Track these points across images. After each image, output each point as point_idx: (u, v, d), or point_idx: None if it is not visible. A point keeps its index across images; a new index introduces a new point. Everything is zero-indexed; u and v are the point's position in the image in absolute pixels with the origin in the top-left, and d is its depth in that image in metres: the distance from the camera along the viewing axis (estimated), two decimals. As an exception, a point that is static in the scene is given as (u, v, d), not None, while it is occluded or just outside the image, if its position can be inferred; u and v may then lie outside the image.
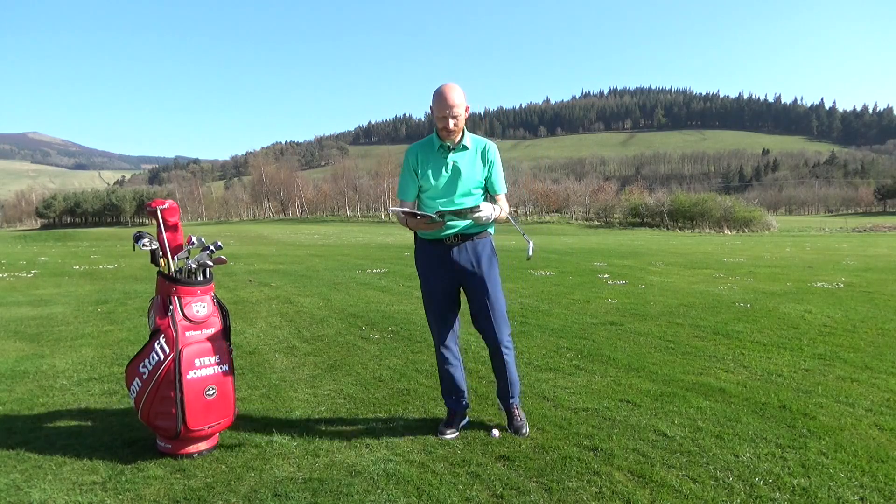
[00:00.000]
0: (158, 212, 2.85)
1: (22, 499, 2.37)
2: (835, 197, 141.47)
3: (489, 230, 3.00)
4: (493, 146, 2.94)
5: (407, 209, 2.76)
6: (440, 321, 3.01)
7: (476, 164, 2.90)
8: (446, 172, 2.88)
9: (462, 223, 2.87)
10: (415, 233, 2.99)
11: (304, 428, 3.10)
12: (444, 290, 2.97)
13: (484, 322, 2.96)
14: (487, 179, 2.95)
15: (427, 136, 2.95)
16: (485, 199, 2.96)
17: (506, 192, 3.01)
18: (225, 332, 2.89)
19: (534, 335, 5.33)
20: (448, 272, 2.93)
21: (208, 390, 2.73)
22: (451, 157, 2.87)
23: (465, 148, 2.89)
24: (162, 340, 2.70)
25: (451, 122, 2.76)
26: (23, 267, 13.28)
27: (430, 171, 2.89)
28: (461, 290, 3.02)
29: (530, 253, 3.09)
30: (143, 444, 2.87)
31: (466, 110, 2.80)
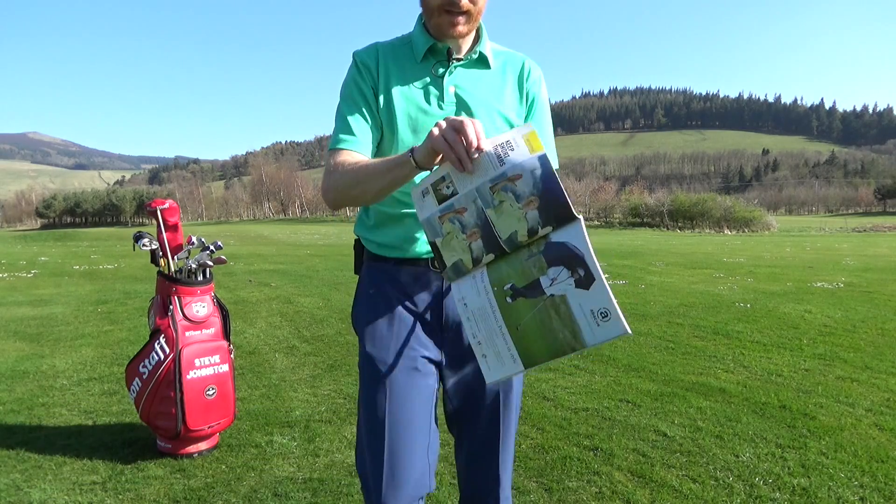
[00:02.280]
0: (158, 212, 2.85)
1: (22, 499, 2.37)
2: (835, 197, 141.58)
3: None
4: (536, 68, 1.40)
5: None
6: (394, 457, 1.23)
7: (505, 95, 1.34)
8: (441, 107, 1.30)
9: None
10: (358, 242, 1.42)
11: (304, 428, 3.10)
12: (412, 384, 1.26)
13: (480, 463, 1.39)
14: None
15: (401, 36, 1.37)
16: None
17: (557, 167, 1.29)
18: (225, 332, 2.89)
19: (534, 335, 5.33)
20: (423, 338, 1.29)
21: (208, 390, 2.74)
22: (452, 76, 1.31)
23: (482, 62, 1.34)
24: (162, 340, 2.70)
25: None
26: (23, 267, 13.28)
27: (404, 100, 1.29)
28: (441, 384, 1.35)
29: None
30: (143, 444, 2.87)
31: None
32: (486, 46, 1.35)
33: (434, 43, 1.29)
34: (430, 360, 1.29)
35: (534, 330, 0.95)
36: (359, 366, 1.31)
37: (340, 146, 1.24)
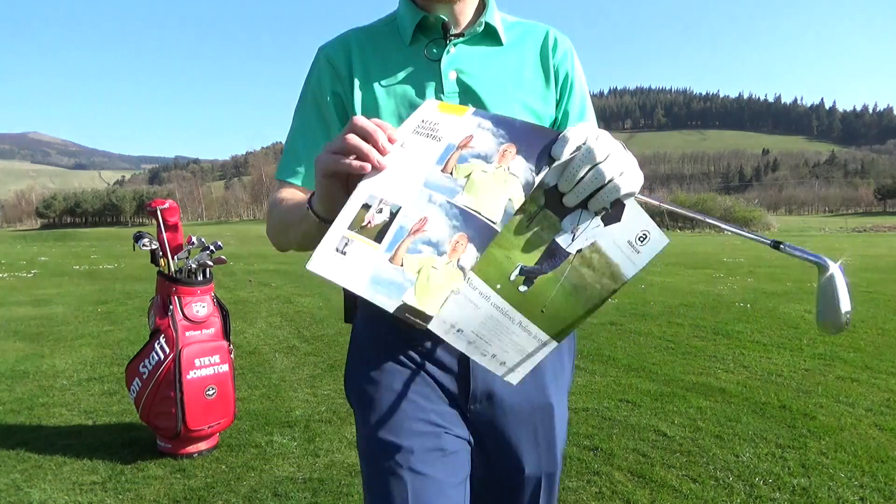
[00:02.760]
0: (158, 212, 2.85)
1: (22, 499, 2.37)
2: (835, 197, 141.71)
3: None
4: (565, 39, 1.06)
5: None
6: None
7: (524, 77, 1.00)
8: (440, 99, 0.95)
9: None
10: (347, 295, 1.05)
11: (304, 428, 3.10)
12: (440, 473, 0.89)
13: None
14: (563, 125, 1.03)
15: (383, 17, 1.06)
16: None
17: None
18: (225, 332, 2.89)
19: (534, 335, 5.33)
20: (441, 407, 0.94)
21: (208, 390, 2.73)
22: (452, 58, 0.97)
23: (490, 36, 1.01)
24: (162, 340, 2.70)
25: None
26: (23, 267, 13.28)
27: (391, 99, 0.96)
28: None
29: (847, 311, 0.68)
30: (143, 444, 2.87)
31: None
32: (496, 16, 1.00)
33: (424, 16, 0.96)
34: (459, 437, 0.93)
35: (562, 300, 0.73)
36: (359, 451, 0.96)
37: (284, 178, 0.98)
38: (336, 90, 0.97)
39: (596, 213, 0.70)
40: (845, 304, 0.68)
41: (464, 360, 0.93)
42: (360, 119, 0.71)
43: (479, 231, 0.68)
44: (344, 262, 0.66)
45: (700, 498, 2.32)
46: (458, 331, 0.72)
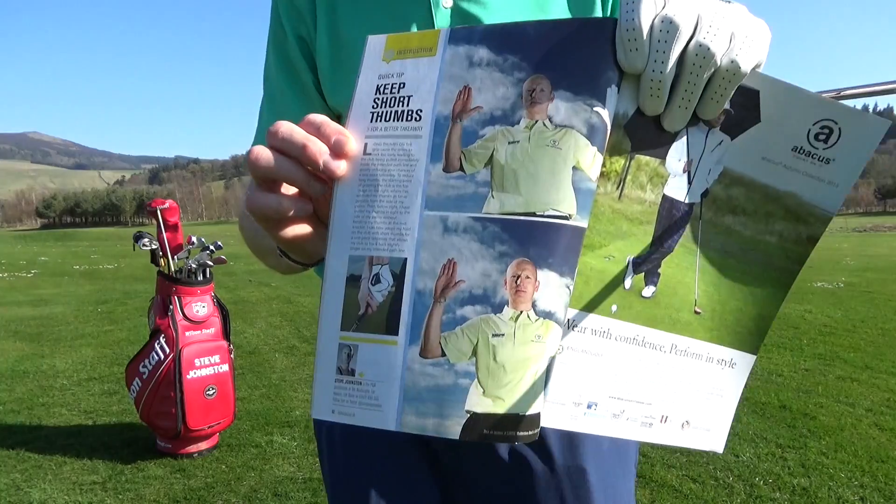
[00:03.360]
0: (158, 212, 2.85)
1: (22, 499, 2.37)
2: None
3: None
4: None
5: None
6: None
7: None
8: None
9: None
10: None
11: (304, 428, 3.10)
12: None
13: None
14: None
15: None
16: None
17: None
18: (225, 332, 2.89)
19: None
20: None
21: (208, 390, 2.73)
22: None
23: None
24: (162, 340, 2.70)
25: None
26: (23, 267, 13.29)
27: (356, 35, 0.62)
28: None
29: None
30: (143, 444, 2.87)
31: None
32: None
33: None
34: None
35: (719, 282, 0.45)
36: None
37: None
38: (301, 33, 0.68)
39: (712, 126, 0.41)
40: None
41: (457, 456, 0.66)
42: (280, 128, 0.41)
43: (547, 244, 0.39)
44: (357, 389, 0.41)
45: (700, 498, 2.32)
46: (589, 407, 0.45)
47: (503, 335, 0.39)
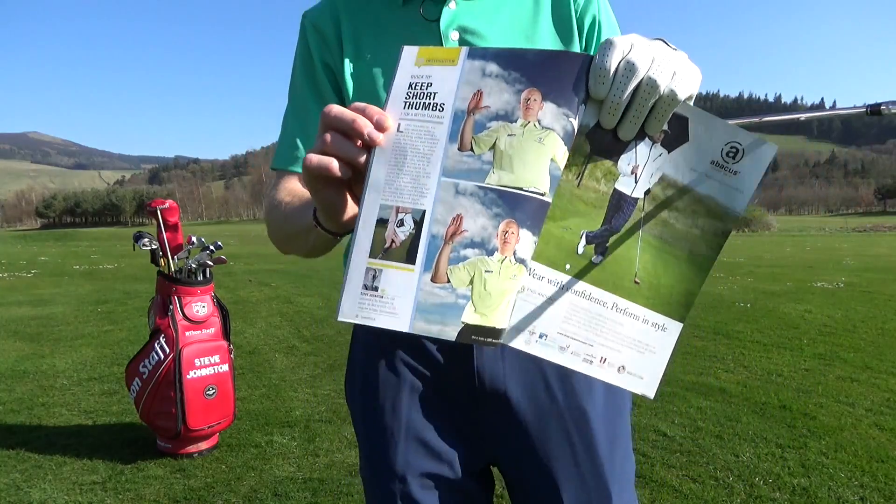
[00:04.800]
0: (158, 212, 2.85)
1: (22, 499, 2.37)
2: (835, 197, 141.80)
3: None
4: None
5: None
6: None
7: (540, 30, 0.83)
8: None
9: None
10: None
11: (304, 428, 3.10)
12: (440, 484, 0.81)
13: None
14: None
15: None
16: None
17: None
18: (225, 332, 2.89)
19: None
20: (447, 424, 0.82)
21: (208, 390, 2.73)
22: (454, 15, 0.82)
23: None
24: (162, 340, 2.70)
25: None
26: (23, 267, 13.29)
27: (385, 68, 0.81)
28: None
29: None
30: (143, 444, 2.87)
31: None
32: None
33: None
34: (465, 463, 0.81)
35: (655, 260, 0.58)
36: (360, 469, 0.90)
37: (282, 166, 0.84)
38: (326, 60, 0.83)
39: (654, 141, 0.55)
40: None
41: (465, 360, 0.78)
42: (333, 109, 0.55)
43: (527, 210, 0.54)
44: (379, 301, 0.54)
45: (700, 498, 2.32)
46: (540, 337, 0.59)
47: (492, 271, 0.54)
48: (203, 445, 2.79)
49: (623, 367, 0.59)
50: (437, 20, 0.80)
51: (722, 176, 0.55)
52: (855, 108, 0.68)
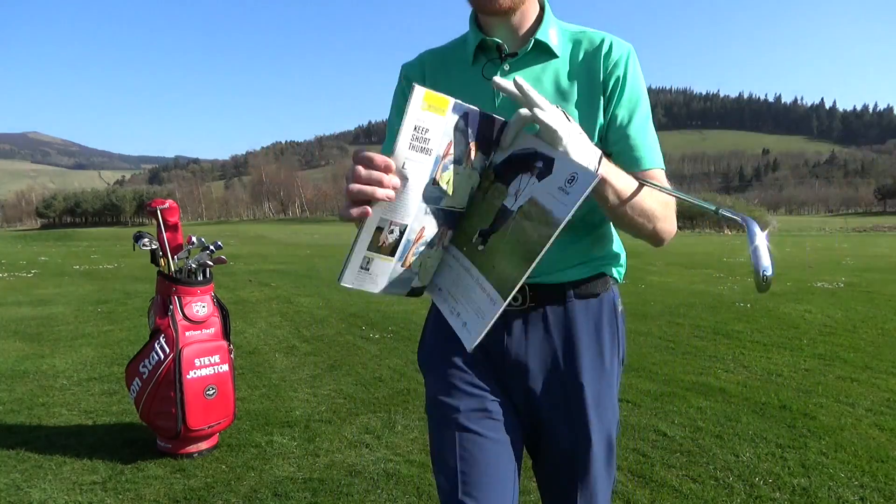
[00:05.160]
0: (158, 212, 2.85)
1: (22, 499, 2.37)
2: (835, 197, 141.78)
3: (615, 273, 1.18)
4: (622, 45, 1.08)
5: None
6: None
7: (575, 87, 1.06)
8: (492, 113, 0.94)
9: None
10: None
11: (304, 428, 3.10)
12: (484, 432, 1.07)
13: None
14: (608, 133, 1.06)
15: (458, 37, 1.18)
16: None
17: (661, 166, 1.10)
18: (225, 332, 2.89)
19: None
20: (487, 379, 1.12)
21: (208, 390, 2.74)
22: (508, 75, 1.06)
23: (542, 51, 1.08)
24: (162, 340, 2.70)
25: None
26: (23, 267, 13.28)
27: None
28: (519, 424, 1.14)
29: (763, 268, 0.80)
30: (143, 444, 2.87)
31: None
32: (550, 31, 1.07)
33: (483, 38, 1.06)
34: (504, 404, 1.09)
35: (509, 253, 0.82)
36: (426, 410, 1.16)
37: None
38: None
39: (532, 174, 0.82)
40: (764, 265, 0.79)
41: (499, 339, 1.08)
42: (360, 164, 0.80)
43: (453, 221, 0.90)
44: (367, 276, 0.87)
45: (700, 498, 2.32)
46: (439, 290, 0.95)
47: (430, 258, 0.91)
48: (203, 445, 2.79)
49: (465, 324, 0.87)
50: (493, 75, 0.98)
51: (561, 196, 0.76)
52: (706, 206, 0.90)
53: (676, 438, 2.90)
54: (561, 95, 1.04)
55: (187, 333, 2.73)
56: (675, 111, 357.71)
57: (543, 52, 1.06)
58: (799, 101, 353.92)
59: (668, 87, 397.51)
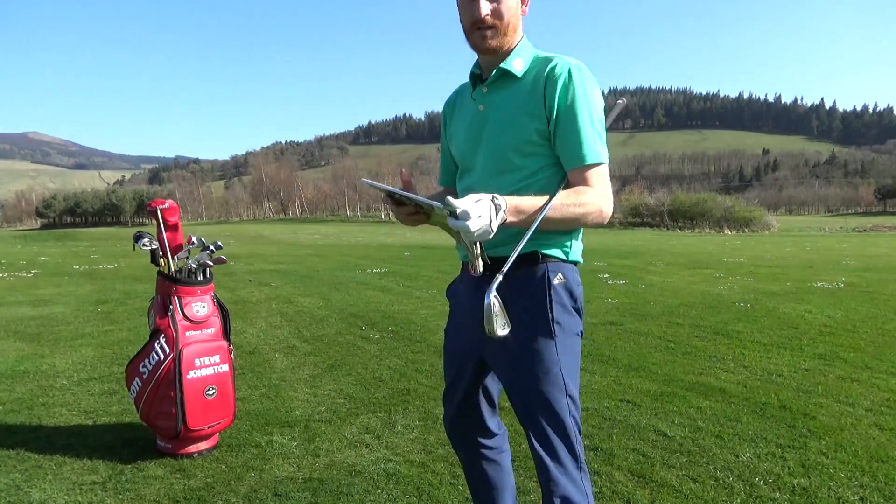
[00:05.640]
0: (158, 212, 2.85)
1: (22, 499, 2.37)
2: (835, 197, 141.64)
3: (554, 252, 1.46)
4: (572, 67, 1.39)
5: (384, 186, 1.36)
6: (447, 387, 1.70)
7: (525, 102, 1.41)
8: (474, 132, 1.51)
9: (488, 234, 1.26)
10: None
11: (304, 428, 3.10)
12: (459, 348, 1.63)
13: (529, 439, 1.46)
14: (554, 136, 1.40)
15: None
16: (560, 180, 1.43)
17: (598, 161, 1.39)
18: (225, 332, 2.89)
19: (534, 335, 5.33)
20: (469, 322, 1.55)
21: (208, 390, 2.74)
22: (484, 97, 1.48)
23: (505, 75, 1.44)
24: (162, 340, 2.70)
25: (484, 11, 1.38)
26: (23, 267, 13.28)
27: (455, 127, 1.60)
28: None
29: (493, 322, 1.32)
30: (143, 444, 2.87)
31: (524, 3, 1.47)
32: (515, 61, 1.43)
33: (472, 71, 1.52)
34: (468, 339, 1.57)
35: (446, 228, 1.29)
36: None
37: (440, 184, 1.78)
38: (444, 134, 1.70)
39: (451, 215, 1.20)
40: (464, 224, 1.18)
41: (480, 296, 1.34)
42: (396, 209, 1.38)
43: (432, 205, 1.26)
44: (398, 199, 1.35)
45: (700, 498, 2.32)
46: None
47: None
48: (203, 445, 2.79)
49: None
50: (477, 101, 1.50)
51: (450, 219, 1.21)
52: (433, 203, 1.27)
53: (676, 438, 2.90)
54: (517, 108, 1.42)
55: (187, 333, 2.73)
56: (675, 111, 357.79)
57: (508, 77, 1.44)
58: (799, 101, 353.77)
59: (668, 88, 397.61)
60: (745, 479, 2.48)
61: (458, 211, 1.16)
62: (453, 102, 1.62)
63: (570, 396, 1.41)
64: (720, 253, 17.72)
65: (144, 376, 2.71)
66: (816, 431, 2.98)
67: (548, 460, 1.39)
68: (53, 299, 7.91)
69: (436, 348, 4.83)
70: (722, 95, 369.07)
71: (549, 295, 1.41)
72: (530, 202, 1.31)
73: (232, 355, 2.90)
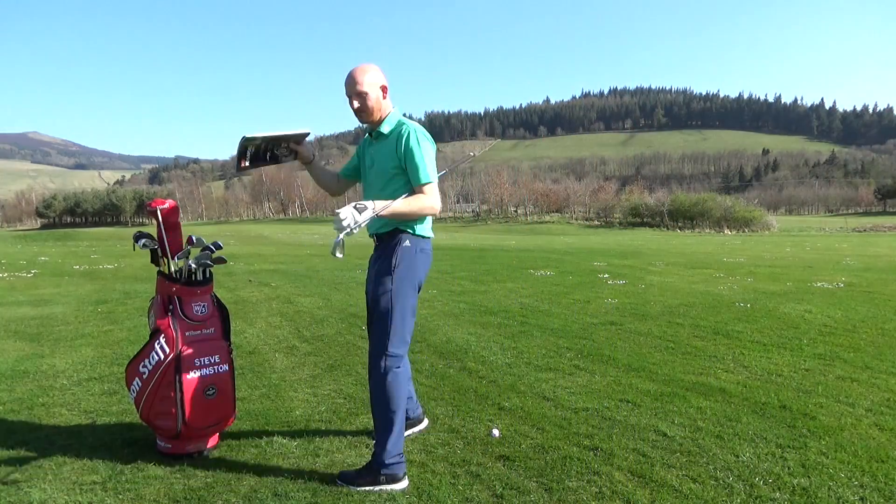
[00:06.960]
0: (158, 212, 2.85)
1: (22, 499, 2.37)
2: (835, 197, 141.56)
3: (406, 228, 2.52)
4: (411, 130, 2.47)
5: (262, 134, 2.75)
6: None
7: (391, 153, 2.50)
8: (369, 164, 2.63)
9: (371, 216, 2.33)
10: None
11: (304, 428, 3.10)
12: (366, 290, 2.66)
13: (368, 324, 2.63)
14: (405, 168, 2.48)
15: None
16: (411, 191, 2.50)
17: (428, 181, 2.45)
18: (225, 332, 2.89)
19: (534, 335, 5.33)
20: (371, 274, 2.64)
21: (208, 390, 2.73)
22: (371, 146, 2.62)
23: (380, 135, 2.55)
24: (162, 340, 2.70)
25: (354, 102, 2.49)
26: (23, 267, 13.28)
27: (362, 156, 2.72)
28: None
29: (334, 250, 2.32)
30: (143, 444, 2.87)
31: (383, 90, 2.51)
32: (384, 126, 2.54)
33: (367, 126, 2.61)
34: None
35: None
36: None
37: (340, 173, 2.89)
38: (358, 153, 2.83)
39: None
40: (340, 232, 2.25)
41: (375, 258, 2.62)
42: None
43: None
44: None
45: (700, 498, 2.32)
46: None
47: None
48: (203, 445, 2.79)
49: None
50: (370, 147, 2.66)
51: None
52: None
53: (676, 438, 2.90)
54: (387, 153, 2.52)
55: (187, 333, 2.73)
56: (675, 111, 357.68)
57: (381, 135, 2.55)
58: (799, 101, 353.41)
59: (668, 88, 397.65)
60: (745, 479, 2.48)
61: (335, 212, 2.25)
62: (363, 142, 2.70)
63: (396, 307, 2.47)
64: (720, 253, 17.72)
65: (144, 376, 2.71)
66: (816, 431, 2.98)
67: (373, 339, 2.54)
68: (53, 299, 7.91)
69: (435, 348, 4.83)
70: (722, 95, 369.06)
71: (396, 250, 2.50)
72: (391, 203, 2.36)
73: (232, 355, 2.89)
